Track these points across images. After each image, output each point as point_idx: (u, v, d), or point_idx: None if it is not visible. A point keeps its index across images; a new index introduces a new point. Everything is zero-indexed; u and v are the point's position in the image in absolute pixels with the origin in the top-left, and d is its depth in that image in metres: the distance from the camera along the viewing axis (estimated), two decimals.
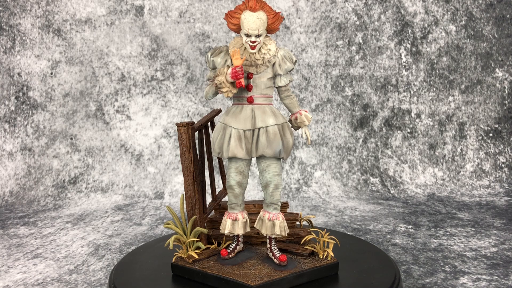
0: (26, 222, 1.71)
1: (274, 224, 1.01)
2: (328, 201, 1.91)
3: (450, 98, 2.20)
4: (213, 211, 1.19)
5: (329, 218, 1.69)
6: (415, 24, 2.17)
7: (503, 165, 2.16)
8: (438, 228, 1.56)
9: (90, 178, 2.06)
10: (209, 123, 1.19)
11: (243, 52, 0.98)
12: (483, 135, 2.20)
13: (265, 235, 1.03)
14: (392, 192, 2.00)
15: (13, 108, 2.13)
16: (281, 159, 1.03)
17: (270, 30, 0.98)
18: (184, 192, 1.08)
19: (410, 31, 2.17)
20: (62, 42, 2.12)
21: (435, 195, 1.98)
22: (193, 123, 1.07)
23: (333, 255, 1.05)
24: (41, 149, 2.10)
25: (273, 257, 1.03)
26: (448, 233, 1.51)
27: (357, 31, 2.15)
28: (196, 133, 1.12)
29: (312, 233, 1.11)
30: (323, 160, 2.10)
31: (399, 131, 2.16)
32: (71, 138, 2.11)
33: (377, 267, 1.08)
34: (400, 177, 2.08)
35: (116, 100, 2.13)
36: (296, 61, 1.01)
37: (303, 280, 0.99)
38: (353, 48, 2.15)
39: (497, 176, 2.12)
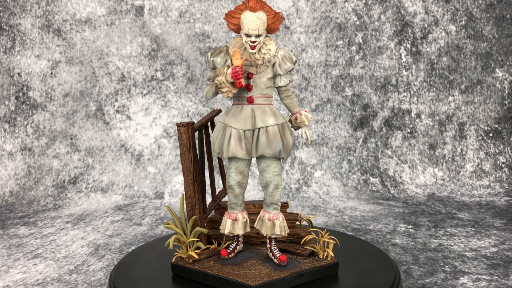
0: (26, 222, 1.71)
1: (274, 224, 1.01)
2: (328, 201, 1.91)
3: (450, 98, 2.20)
4: (213, 211, 1.19)
5: (329, 218, 1.69)
6: (415, 24, 2.17)
7: (503, 165, 2.16)
8: (438, 228, 1.56)
9: (90, 178, 2.06)
10: (209, 123, 1.19)
11: (243, 52, 0.98)
12: (483, 135, 2.20)
13: (265, 235, 1.03)
14: (392, 192, 2.00)
15: (13, 108, 2.13)
16: (281, 159, 1.03)
17: (270, 30, 0.98)
18: (184, 192, 1.08)
19: (410, 31, 2.17)
20: (62, 42, 2.12)
21: (435, 195, 1.98)
22: (193, 123, 1.07)
23: (333, 255, 1.05)
24: (41, 149, 2.10)
25: (273, 257, 1.03)
26: (448, 233, 1.51)
27: (357, 31, 2.15)
28: (196, 133, 1.12)
29: (312, 233, 1.11)
30: (323, 160, 2.10)
31: (399, 131, 2.16)
32: (71, 138, 2.11)
33: (377, 267, 1.08)
34: (400, 177, 2.08)
35: (116, 100, 2.13)
36: (296, 61, 1.01)
37: (303, 280, 0.99)
38: (353, 48, 2.15)
39: (497, 176, 2.12)
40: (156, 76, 2.13)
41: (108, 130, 2.12)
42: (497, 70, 2.22)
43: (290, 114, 1.06)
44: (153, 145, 2.11)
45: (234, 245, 1.07)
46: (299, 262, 1.03)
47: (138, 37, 2.12)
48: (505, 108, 2.22)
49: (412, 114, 2.18)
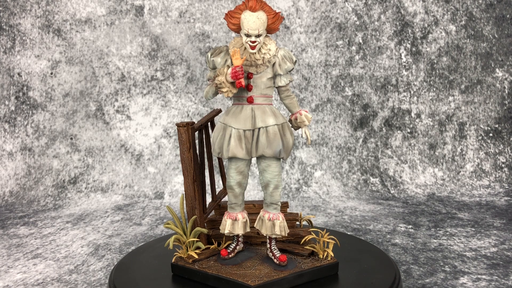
0: (26, 222, 1.71)
1: (274, 224, 1.01)
2: (328, 201, 1.91)
3: (450, 98, 2.20)
4: (213, 211, 1.19)
5: (329, 218, 1.69)
6: (415, 24, 2.17)
7: (503, 165, 2.16)
8: (438, 228, 1.56)
9: (90, 178, 2.06)
10: (209, 123, 1.19)
11: (243, 52, 0.98)
12: (483, 135, 2.20)
13: (265, 235, 1.03)
14: (392, 192, 2.00)
15: (13, 108, 2.13)
16: (281, 159, 1.03)
17: (270, 30, 0.98)
18: (184, 192, 1.08)
19: (410, 31, 2.17)
20: (62, 42, 2.12)
21: (435, 195, 1.98)
22: (193, 123, 1.07)
23: (333, 255, 1.05)
24: (41, 149, 2.10)
25: (273, 257, 1.03)
26: (448, 233, 1.51)
27: (357, 31, 2.15)
28: (196, 133, 1.12)
29: (312, 233, 1.11)
30: (323, 160, 2.10)
31: (399, 131, 2.16)
32: (71, 138, 2.11)
33: (377, 267, 1.08)
34: (400, 177, 2.08)
35: (116, 100, 2.13)
36: (296, 61, 1.01)
37: (303, 280, 0.99)
38: (353, 48, 2.15)
39: (497, 176, 2.12)
40: (156, 76, 2.13)
41: (108, 130, 2.12)
42: (497, 70, 2.22)
43: (290, 114, 1.06)
44: (153, 145, 2.11)
45: (234, 245, 1.07)
46: (299, 262, 1.03)
47: (138, 37, 2.12)
48: (505, 108, 2.22)
49: (412, 114, 2.18)
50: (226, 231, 1.04)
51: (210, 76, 1.02)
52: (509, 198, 1.94)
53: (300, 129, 1.07)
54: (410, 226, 1.58)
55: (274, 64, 1.00)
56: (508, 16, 2.21)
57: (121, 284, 1.02)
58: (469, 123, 2.20)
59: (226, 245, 1.08)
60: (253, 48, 0.96)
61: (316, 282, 1.00)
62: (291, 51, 2.05)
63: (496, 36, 2.21)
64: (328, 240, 1.07)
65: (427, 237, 1.47)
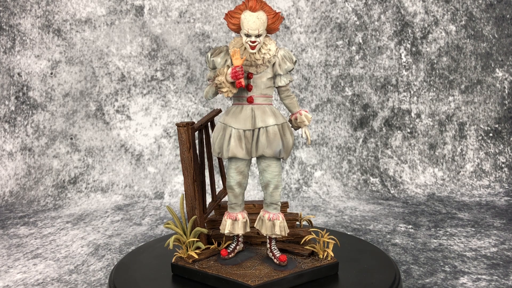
0: (26, 222, 1.71)
1: (274, 224, 1.01)
2: (328, 201, 1.91)
3: (450, 98, 2.20)
4: (213, 211, 1.19)
5: (329, 218, 1.69)
6: (415, 24, 2.17)
7: (503, 165, 2.16)
8: (438, 228, 1.56)
9: (90, 178, 2.06)
10: (209, 123, 1.19)
11: (243, 52, 0.98)
12: (483, 135, 2.20)
13: (265, 235, 1.03)
14: (392, 192, 2.00)
15: (13, 108, 2.13)
16: (281, 159, 1.03)
17: (270, 30, 0.98)
18: (184, 192, 1.08)
19: (410, 31, 2.17)
20: (62, 42, 2.12)
21: (435, 195, 1.98)
22: (193, 123, 1.07)
23: (333, 255, 1.05)
24: (41, 149, 2.10)
25: (273, 257, 1.03)
26: (448, 233, 1.51)
27: (357, 31, 2.15)
28: (196, 133, 1.12)
29: (312, 233, 1.11)
30: (323, 160, 2.10)
31: (399, 131, 2.16)
32: (71, 138, 2.11)
33: (377, 267, 1.08)
34: (400, 177, 2.08)
35: (116, 100, 2.13)
36: (296, 61, 1.01)
37: (303, 280, 0.99)
38: (353, 48, 2.15)
39: (497, 176, 2.12)
40: (156, 76, 2.13)
41: (108, 130, 2.12)
42: (497, 70, 2.22)
43: (290, 114, 1.06)
44: (153, 145, 2.11)
45: (234, 245, 1.07)
46: (299, 262, 1.03)
47: (138, 37, 2.12)
48: (505, 108, 2.22)
49: (412, 114, 2.18)
50: (226, 231, 1.04)
51: (210, 76, 1.02)
52: (509, 198, 1.94)
53: (300, 129, 1.07)
54: (410, 226, 1.58)
55: (274, 64, 1.00)
56: (508, 16, 2.21)
57: (121, 284, 1.02)
58: (469, 123, 2.20)
59: (226, 245, 1.08)
60: (253, 48, 0.97)
61: (316, 282, 1.00)
62: (291, 51, 2.05)
63: (496, 36, 2.21)
64: (328, 240, 1.07)
65: (427, 237, 1.47)
